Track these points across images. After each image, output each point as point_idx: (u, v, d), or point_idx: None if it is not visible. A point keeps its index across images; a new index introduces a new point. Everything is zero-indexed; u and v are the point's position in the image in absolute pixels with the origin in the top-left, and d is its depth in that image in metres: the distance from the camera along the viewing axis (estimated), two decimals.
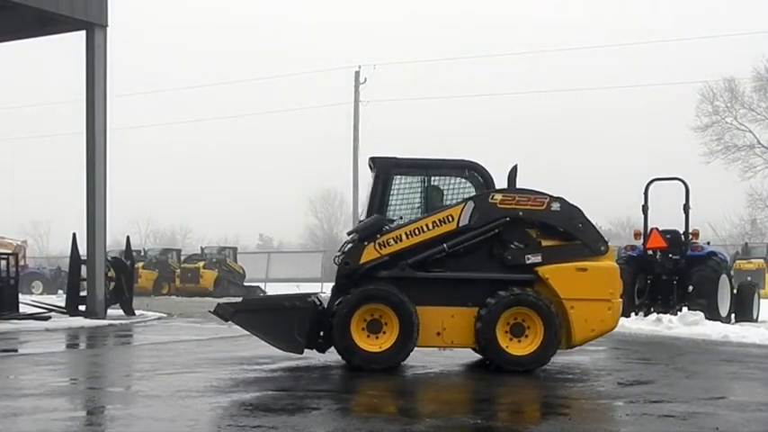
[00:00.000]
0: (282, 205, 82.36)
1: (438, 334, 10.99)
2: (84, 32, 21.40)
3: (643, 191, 19.17)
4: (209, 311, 11.85)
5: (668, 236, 18.87)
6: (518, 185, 11.39)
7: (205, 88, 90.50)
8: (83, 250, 21.69)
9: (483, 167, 11.48)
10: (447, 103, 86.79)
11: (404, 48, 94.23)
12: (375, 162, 11.56)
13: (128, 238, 24.03)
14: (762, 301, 20.24)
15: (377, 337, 10.84)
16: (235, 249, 45.98)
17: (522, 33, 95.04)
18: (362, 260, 11.00)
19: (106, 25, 21.38)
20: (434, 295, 10.94)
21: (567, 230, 10.92)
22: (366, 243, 11.01)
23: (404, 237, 10.96)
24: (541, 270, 10.87)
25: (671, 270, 18.73)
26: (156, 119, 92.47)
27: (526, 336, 10.74)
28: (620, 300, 11.20)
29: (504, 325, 10.73)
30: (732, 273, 20.92)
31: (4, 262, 20.38)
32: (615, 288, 10.96)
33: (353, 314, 10.76)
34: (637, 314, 18.17)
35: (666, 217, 20.45)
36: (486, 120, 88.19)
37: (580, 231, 10.94)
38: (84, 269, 21.46)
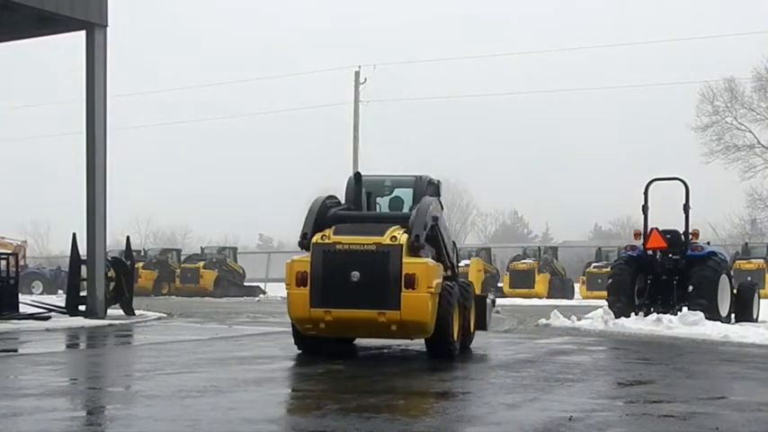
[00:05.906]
0: (282, 205, 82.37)
1: None
2: (84, 32, 21.41)
3: (643, 191, 19.17)
4: None
5: (668, 236, 18.86)
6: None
7: (205, 88, 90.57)
8: (83, 250, 21.69)
9: None
10: (447, 103, 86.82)
11: (404, 48, 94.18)
12: None
13: (128, 238, 24.03)
14: (762, 301, 20.24)
15: None
16: (235, 249, 45.95)
17: (522, 34, 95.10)
18: None
19: (106, 25, 21.37)
20: None
21: None
22: None
23: None
24: None
25: (671, 270, 18.72)
26: (157, 119, 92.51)
27: None
28: None
29: None
30: (732, 273, 20.92)
31: (4, 262, 20.36)
32: None
33: None
34: (637, 314, 18.15)
35: (666, 217, 20.45)
36: (486, 120, 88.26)
37: None
38: (84, 269, 21.46)
